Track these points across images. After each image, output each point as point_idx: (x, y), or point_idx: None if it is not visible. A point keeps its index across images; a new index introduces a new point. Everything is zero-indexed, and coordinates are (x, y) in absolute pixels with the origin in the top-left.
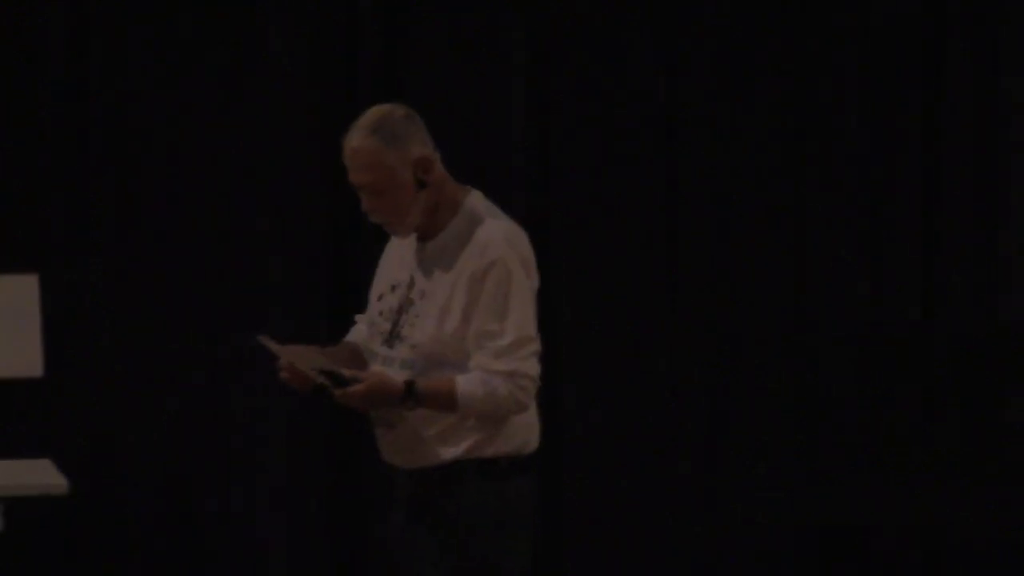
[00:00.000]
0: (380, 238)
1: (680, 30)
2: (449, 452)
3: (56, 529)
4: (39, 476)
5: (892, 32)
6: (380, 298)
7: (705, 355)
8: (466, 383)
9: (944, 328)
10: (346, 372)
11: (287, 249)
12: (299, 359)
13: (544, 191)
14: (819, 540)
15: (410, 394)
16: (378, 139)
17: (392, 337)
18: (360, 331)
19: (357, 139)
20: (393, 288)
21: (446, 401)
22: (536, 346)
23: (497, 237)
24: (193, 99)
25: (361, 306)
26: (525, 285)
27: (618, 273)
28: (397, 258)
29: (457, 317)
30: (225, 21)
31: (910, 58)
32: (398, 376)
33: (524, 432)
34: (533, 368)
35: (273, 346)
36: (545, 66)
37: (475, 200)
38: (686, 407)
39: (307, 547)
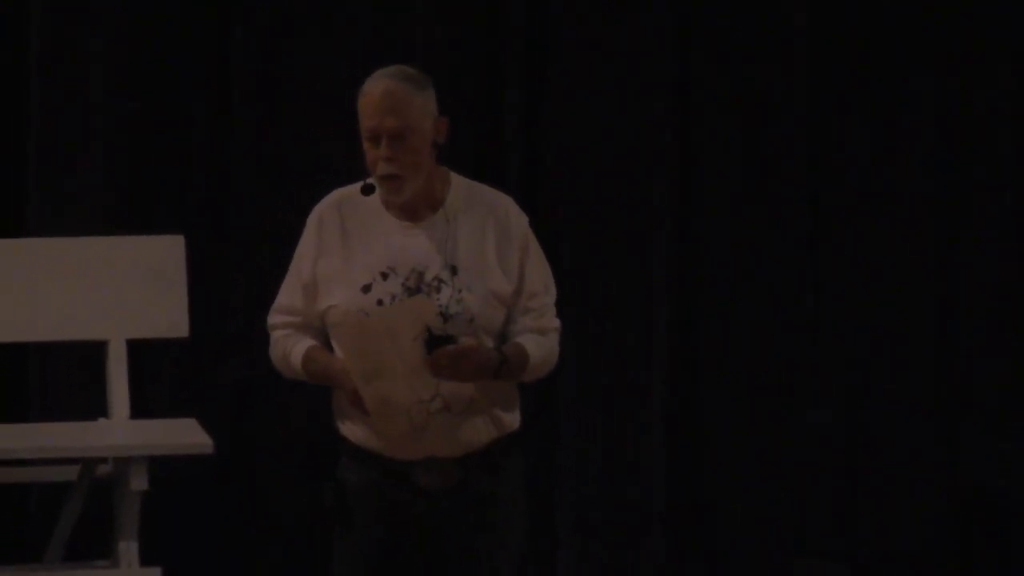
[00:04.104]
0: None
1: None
2: (499, 428)
3: (201, 488)
4: (184, 436)
5: None
6: (366, 289)
7: (846, 342)
8: (536, 347)
9: None
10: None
11: None
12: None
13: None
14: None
15: (505, 361)
16: (409, 85)
17: None
18: (305, 340)
19: (386, 83)
20: (385, 276)
21: (521, 369)
22: None
23: (510, 199)
24: (336, 64)
25: None
26: None
27: (759, 273)
28: (365, 245)
29: (513, 280)
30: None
31: None
32: None
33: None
34: None
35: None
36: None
37: (454, 173)
38: (825, 408)
39: None
